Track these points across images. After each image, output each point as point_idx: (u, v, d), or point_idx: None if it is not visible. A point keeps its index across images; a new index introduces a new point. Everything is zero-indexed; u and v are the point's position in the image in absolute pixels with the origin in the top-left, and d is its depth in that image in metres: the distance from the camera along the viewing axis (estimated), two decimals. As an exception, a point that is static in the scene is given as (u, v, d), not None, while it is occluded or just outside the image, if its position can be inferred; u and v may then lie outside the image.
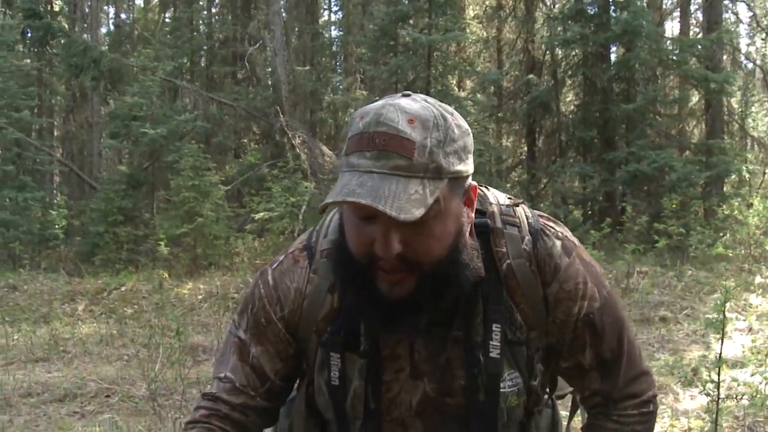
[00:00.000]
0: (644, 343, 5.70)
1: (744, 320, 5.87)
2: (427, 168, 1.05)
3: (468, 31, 13.38)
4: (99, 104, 17.47)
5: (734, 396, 3.26)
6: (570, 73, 13.04)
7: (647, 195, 11.03)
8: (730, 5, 15.30)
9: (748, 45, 19.72)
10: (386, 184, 1.03)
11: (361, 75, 15.31)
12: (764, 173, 14.33)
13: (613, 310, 1.26)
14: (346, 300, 1.21)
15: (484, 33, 15.23)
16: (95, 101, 17.33)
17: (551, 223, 1.26)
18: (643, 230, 9.14)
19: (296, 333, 1.26)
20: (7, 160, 12.33)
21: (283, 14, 15.49)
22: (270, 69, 15.35)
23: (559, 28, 12.58)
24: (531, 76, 12.99)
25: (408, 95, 1.12)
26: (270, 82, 15.41)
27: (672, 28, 18.80)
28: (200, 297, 7.76)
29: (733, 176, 12.05)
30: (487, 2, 15.65)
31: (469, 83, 14.59)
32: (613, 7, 11.57)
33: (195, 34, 17.64)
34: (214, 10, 19.06)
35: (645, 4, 12.10)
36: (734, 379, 3.66)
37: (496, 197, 1.27)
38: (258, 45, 15.46)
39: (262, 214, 10.30)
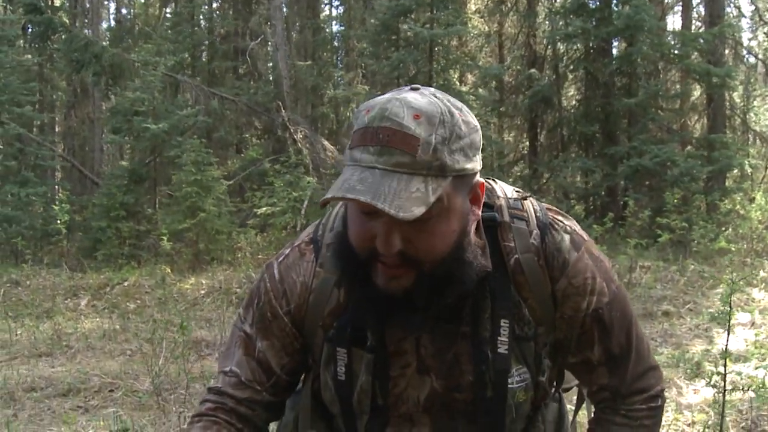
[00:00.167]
0: (647, 337, 5.68)
1: (749, 313, 5.86)
2: (430, 165, 1.03)
3: (470, 25, 13.34)
4: (100, 99, 17.47)
5: (741, 387, 3.25)
6: (572, 67, 13.00)
7: (649, 189, 11.01)
8: (733, -1, 15.27)
9: (750, 39, 19.64)
10: (387, 181, 1.01)
11: (362, 70, 15.29)
12: (766, 167, 14.29)
13: (622, 305, 1.25)
14: (352, 295, 1.21)
15: (486, 27, 15.18)
16: (96, 96, 17.32)
17: (560, 217, 1.25)
18: (646, 225, 9.12)
19: (302, 327, 1.25)
20: (9, 155, 12.33)
21: (284, 9, 15.45)
22: (271, 64, 15.35)
23: (560, 23, 12.55)
24: (533, 70, 12.96)
25: (417, 89, 1.10)
26: (271, 77, 15.40)
27: (674, 22, 18.76)
28: (203, 292, 7.76)
29: (735, 171, 12.03)
30: (488, -4, 15.61)
31: (470, 78, 14.55)
32: (615, 2, 11.53)
33: (196, 29, 17.60)
34: (215, 5, 19.02)
35: (647, -2, 12.05)
36: (738, 373, 3.65)
37: (504, 190, 1.25)
38: (259, 40, 15.44)
39: (264, 209, 10.31)
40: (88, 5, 18.32)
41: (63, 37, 12.96)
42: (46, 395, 4.53)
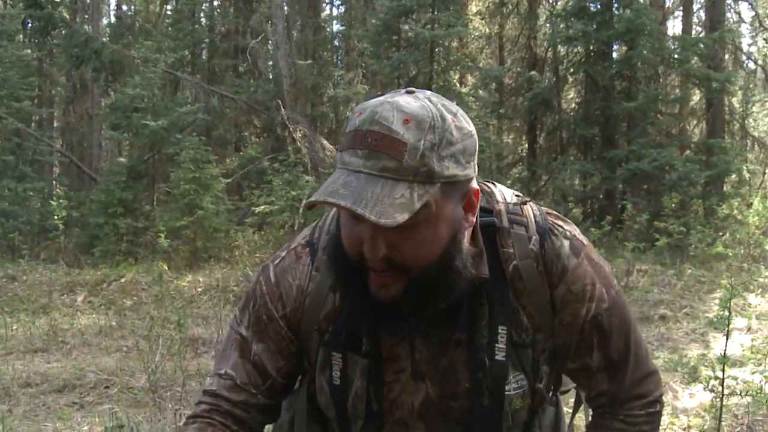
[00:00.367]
0: (645, 342, 5.69)
1: (746, 318, 5.87)
2: (417, 171, 1.01)
3: (471, 26, 13.36)
4: (99, 95, 17.45)
5: (738, 392, 3.25)
6: (572, 70, 13.02)
7: (647, 193, 11.02)
8: (733, 4, 15.29)
9: (750, 45, 19.66)
10: (371, 186, 1.00)
11: (363, 69, 15.28)
12: (764, 173, 14.32)
13: (621, 311, 1.25)
14: (346, 299, 1.20)
15: (487, 29, 15.18)
16: (96, 92, 17.31)
17: (560, 222, 1.24)
18: (643, 228, 9.15)
19: (298, 331, 1.25)
20: (6, 150, 12.30)
21: (285, 8, 15.45)
22: (271, 62, 15.35)
23: (561, 25, 12.57)
24: (533, 72, 12.97)
25: (412, 92, 1.08)
26: (271, 76, 15.40)
27: (674, 26, 18.74)
28: (200, 289, 7.76)
29: (733, 176, 12.04)
30: (489, -2, 15.62)
31: (471, 79, 14.56)
32: (615, 5, 11.55)
33: (196, 26, 17.59)
34: (216, 3, 19.01)
35: (648, 3, 12.07)
36: (734, 378, 3.66)
37: (504, 195, 1.24)
38: (260, 38, 15.44)
39: (262, 207, 10.30)
40: (88, 1, 18.32)
41: (63, 32, 12.95)
42: (41, 391, 4.52)
